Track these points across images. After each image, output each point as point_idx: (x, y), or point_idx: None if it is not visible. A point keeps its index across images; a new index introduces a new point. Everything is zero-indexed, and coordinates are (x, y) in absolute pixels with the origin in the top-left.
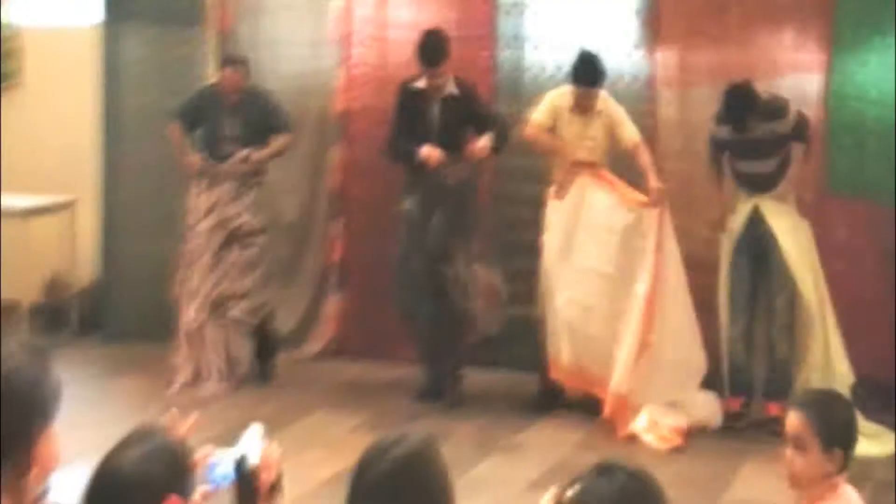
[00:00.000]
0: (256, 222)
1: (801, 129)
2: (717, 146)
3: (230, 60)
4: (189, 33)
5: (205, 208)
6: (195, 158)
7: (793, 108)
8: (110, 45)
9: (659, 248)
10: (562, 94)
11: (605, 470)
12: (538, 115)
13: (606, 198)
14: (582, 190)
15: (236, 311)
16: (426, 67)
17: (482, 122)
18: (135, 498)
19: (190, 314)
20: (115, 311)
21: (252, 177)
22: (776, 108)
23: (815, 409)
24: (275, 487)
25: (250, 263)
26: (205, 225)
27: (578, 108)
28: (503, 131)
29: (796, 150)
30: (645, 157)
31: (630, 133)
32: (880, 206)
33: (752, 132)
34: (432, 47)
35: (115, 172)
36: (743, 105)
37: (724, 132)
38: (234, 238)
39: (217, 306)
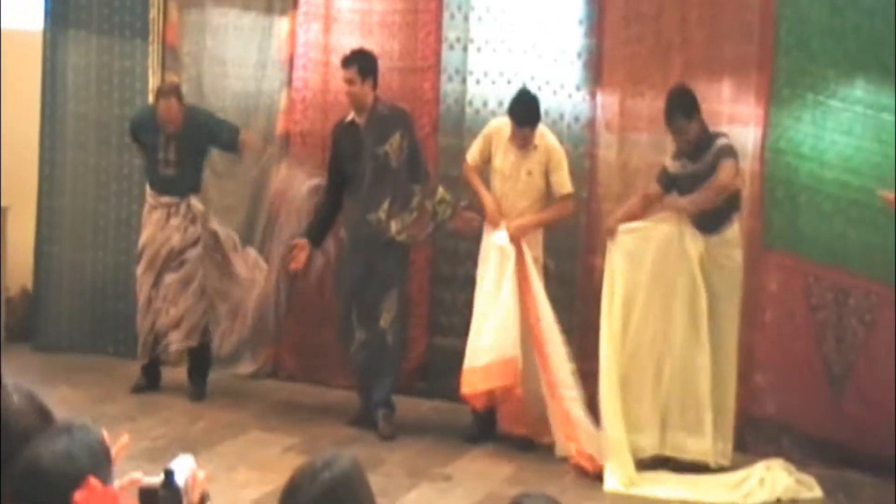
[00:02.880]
0: (186, 238)
1: (721, 154)
2: (667, 179)
3: (164, 91)
4: (131, 45)
5: (141, 244)
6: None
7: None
8: (53, 52)
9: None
10: (501, 125)
11: None
12: (471, 151)
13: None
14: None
15: (173, 344)
16: (344, 67)
17: (416, 170)
18: (56, 484)
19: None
20: (46, 321)
21: (180, 199)
22: (709, 139)
23: None
24: None
25: (182, 283)
26: (142, 264)
27: (516, 141)
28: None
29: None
30: (556, 210)
31: (565, 183)
32: (811, 262)
33: (695, 164)
34: (355, 55)
35: (51, 180)
36: (681, 102)
37: (673, 166)
38: (166, 264)
39: (156, 343)
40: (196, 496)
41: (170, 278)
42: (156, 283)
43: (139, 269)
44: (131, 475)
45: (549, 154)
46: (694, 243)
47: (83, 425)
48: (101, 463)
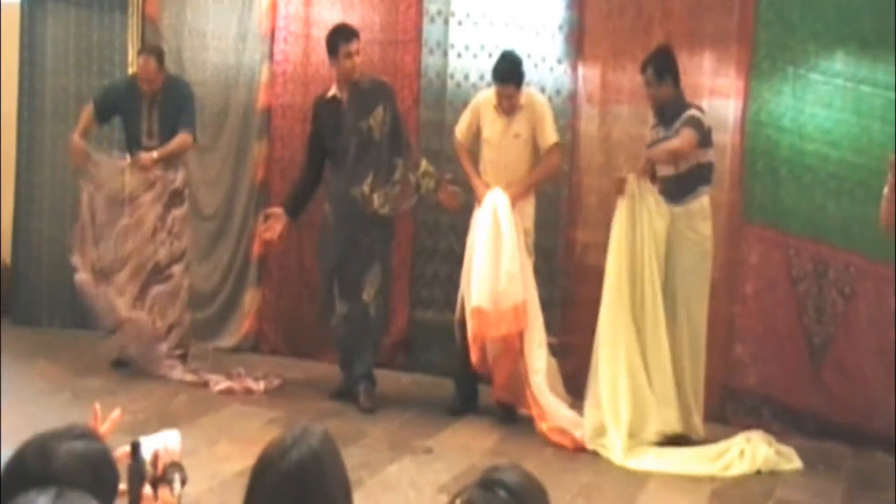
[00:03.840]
0: (175, 249)
1: (684, 122)
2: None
3: (145, 49)
4: (112, 18)
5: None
6: (81, 147)
7: (690, 113)
8: (31, 25)
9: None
10: (486, 96)
11: (486, 483)
12: (459, 125)
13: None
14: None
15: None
16: (332, 54)
17: (399, 142)
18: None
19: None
20: (25, 295)
21: (174, 199)
22: (682, 108)
23: None
24: (163, 479)
25: (170, 295)
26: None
27: (501, 106)
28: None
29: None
30: (545, 167)
31: (548, 134)
32: (791, 234)
33: (667, 131)
34: (335, 32)
35: (30, 153)
36: (660, 59)
37: (650, 134)
38: (153, 275)
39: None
40: (160, 468)
41: (156, 291)
42: (143, 287)
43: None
44: (124, 448)
45: (533, 109)
46: (659, 214)
47: (90, 436)
48: (103, 481)
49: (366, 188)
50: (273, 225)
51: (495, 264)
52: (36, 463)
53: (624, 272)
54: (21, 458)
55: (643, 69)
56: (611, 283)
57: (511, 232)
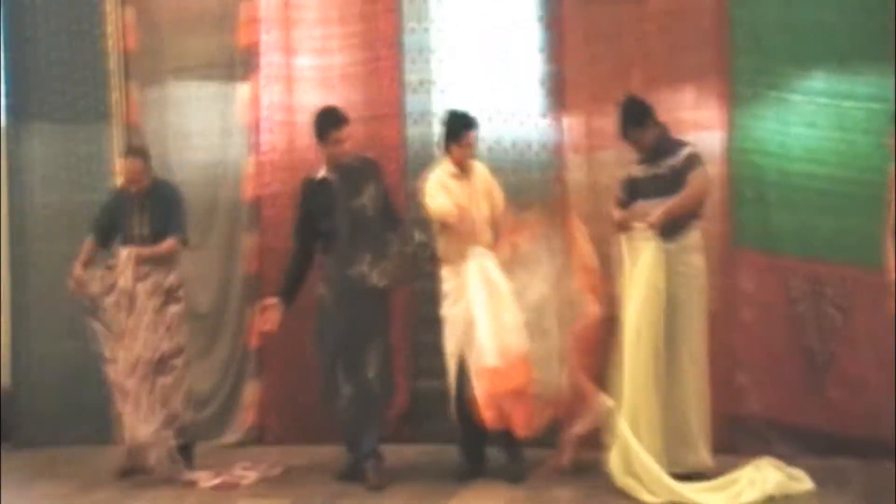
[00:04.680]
0: (174, 344)
1: (691, 163)
2: (628, 186)
3: (128, 151)
4: (95, 129)
5: (118, 332)
6: (81, 279)
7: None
8: (14, 145)
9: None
10: (440, 169)
11: None
12: (440, 200)
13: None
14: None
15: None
16: (321, 140)
17: (390, 217)
18: None
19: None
20: (25, 417)
21: (170, 297)
22: (671, 145)
23: None
24: None
25: (172, 388)
26: (123, 354)
27: (458, 169)
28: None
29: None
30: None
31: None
32: (784, 256)
33: (656, 168)
34: (324, 118)
35: (22, 273)
36: (631, 112)
37: (635, 170)
38: (156, 369)
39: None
40: None
41: (160, 383)
42: (144, 379)
43: (122, 354)
44: None
45: (486, 174)
46: (658, 252)
47: None
48: None
49: (364, 267)
50: (270, 316)
51: (496, 320)
52: None
53: (643, 315)
54: None
55: (624, 130)
56: (630, 327)
57: (504, 284)
